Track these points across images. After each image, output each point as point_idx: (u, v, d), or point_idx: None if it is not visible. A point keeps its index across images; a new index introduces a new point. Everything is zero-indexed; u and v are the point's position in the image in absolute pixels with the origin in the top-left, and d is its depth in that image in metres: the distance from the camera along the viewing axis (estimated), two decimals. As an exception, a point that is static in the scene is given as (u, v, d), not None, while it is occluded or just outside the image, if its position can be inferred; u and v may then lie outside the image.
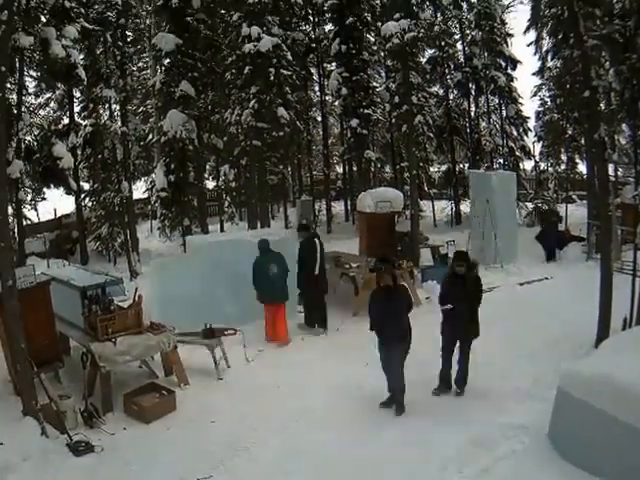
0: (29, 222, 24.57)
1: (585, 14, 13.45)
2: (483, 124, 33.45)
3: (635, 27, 21.36)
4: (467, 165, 32.90)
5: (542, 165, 32.71)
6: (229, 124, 26.54)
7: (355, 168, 32.22)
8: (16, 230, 21.54)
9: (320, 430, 10.10)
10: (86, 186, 26.49)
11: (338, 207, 35.36)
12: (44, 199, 25.93)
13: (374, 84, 32.71)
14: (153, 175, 31.64)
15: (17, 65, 21.22)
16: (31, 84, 24.00)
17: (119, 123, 25.10)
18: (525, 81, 32.48)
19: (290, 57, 26.32)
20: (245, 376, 12.66)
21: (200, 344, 13.15)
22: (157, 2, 25.81)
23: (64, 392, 11.06)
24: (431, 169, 34.25)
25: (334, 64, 30.95)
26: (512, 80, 32.18)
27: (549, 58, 29.15)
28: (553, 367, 10.57)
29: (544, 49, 29.26)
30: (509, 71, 32.09)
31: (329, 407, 10.96)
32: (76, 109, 25.66)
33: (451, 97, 32.88)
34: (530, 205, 29.38)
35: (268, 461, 9.31)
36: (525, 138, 32.80)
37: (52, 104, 26.54)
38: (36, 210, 25.86)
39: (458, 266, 11.46)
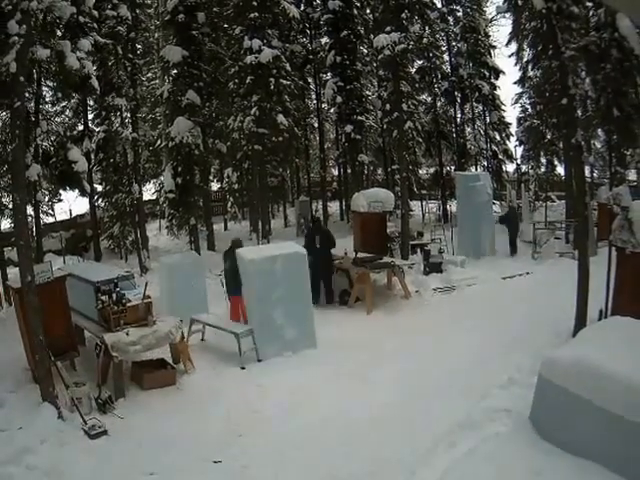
0: (46, 222, 24.54)
1: (562, 27, 13.37)
2: (468, 129, 33.63)
3: (609, 39, 21.40)
4: (453, 167, 32.97)
5: (523, 167, 32.75)
6: (232, 130, 26.57)
7: (349, 171, 32.22)
8: (34, 229, 21.50)
9: (320, 418, 10.12)
10: (99, 188, 26.45)
11: (334, 207, 35.36)
12: (60, 200, 25.83)
13: (367, 93, 32.81)
14: (161, 178, 31.60)
15: (35, 76, 21.17)
16: (48, 93, 23.84)
17: (130, 129, 25.02)
18: (507, 89, 32.65)
19: (289, 68, 26.39)
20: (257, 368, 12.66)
21: (229, 332, 13.16)
22: (165, 17, 25.81)
23: (79, 380, 11.08)
24: (420, 171, 34.22)
25: (329, 74, 30.94)
26: (495, 89, 32.38)
27: (529, 68, 29.16)
28: (534, 355, 10.56)
29: (525, 60, 29.27)
30: (492, 80, 32.26)
31: (327, 399, 10.95)
32: (90, 116, 25.63)
33: (438, 104, 32.97)
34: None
35: (268, 447, 9.33)
36: (507, 142, 33.06)
37: (67, 112, 26.39)
38: (53, 210, 25.79)
39: None
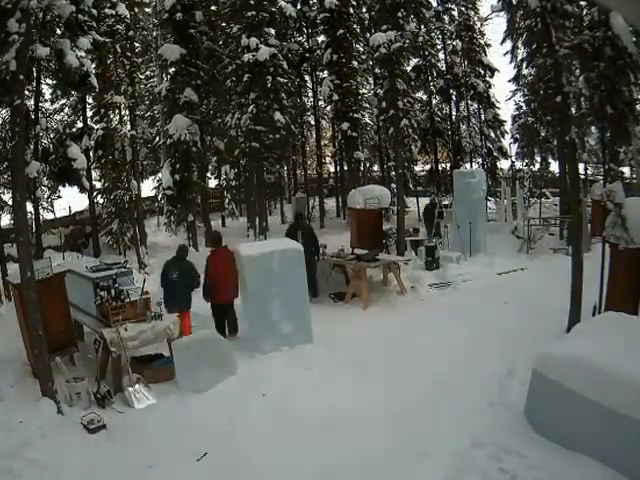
0: (46, 218, 24.52)
1: (557, 25, 13.38)
2: (463, 127, 33.60)
3: (603, 37, 21.42)
4: (449, 164, 33.00)
5: (518, 164, 32.79)
6: (229, 127, 26.65)
7: (346, 167, 32.26)
8: (34, 226, 21.48)
9: (316, 414, 10.13)
10: (98, 185, 26.38)
11: (330, 203, 35.40)
12: (59, 197, 25.73)
13: (363, 90, 32.98)
14: (160, 174, 31.61)
15: (34, 74, 21.17)
16: (47, 91, 23.84)
17: (128, 127, 25.03)
18: (502, 87, 32.70)
19: (286, 66, 26.46)
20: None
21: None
22: (163, 16, 25.78)
23: (78, 374, 11.08)
24: (416, 168, 34.28)
25: (326, 72, 30.92)
26: (490, 87, 32.39)
27: (524, 66, 29.11)
28: (529, 350, 10.58)
29: (519, 58, 29.17)
30: (487, 78, 32.25)
31: (324, 394, 10.93)
32: (89, 114, 25.59)
33: (434, 102, 33.03)
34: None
35: (265, 442, 9.32)
36: (502, 140, 33.03)
37: (67, 109, 26.37)
38: (52, 207, 25.77)
39: None
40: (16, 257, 11.65)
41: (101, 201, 26.16)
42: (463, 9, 32.53)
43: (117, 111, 24.82)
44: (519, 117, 32.05)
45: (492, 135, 33.16)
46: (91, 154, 24.73)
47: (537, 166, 32.48)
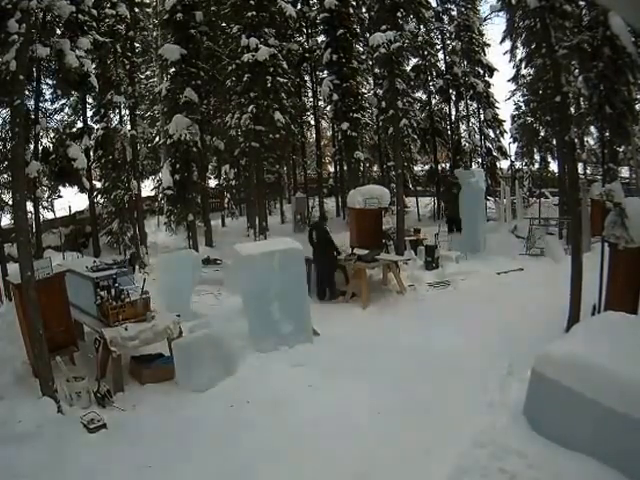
0: (46, 218, 24.51)
1: (556, 25, 13.44)
2: (463, 127, 33.58)
3: (602, 37, 21.41)
4: (448, 164, 32.99)
5: (517, 164, 32.79)
6: (229, 127, 26.62)
7: (345, 167, 32.22)
8: (34, 225, 21.48)
9: (316, 414, 10.13)
10: (98, 185, 26.37)
11: (330, 203, 35.34)
12: (60, 197, 25.70)
13: (363, 90, 32.87)
14: (160, 174, 31.58)
15: (34, 74, 21.17)
16: (47, 91, 23.84)
17: (128, 127, 25.04)
18: (501, 87, 32.70)
19: (285, 66, 26.44)
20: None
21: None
22: (163, 16, 25.82)
23: (79, 374, 11.07)
24: (415, 168, 34.27)
25: (326, 72, 30.85)
26: (489, 86, 32.32)
27: (523, 66, 29.10)
28: (529, 349, 10.56)
29: (518, 58, 29.17)
30: (486, 78, 32.21)
31: (324, 394, 10.93)
32: (89, 114, 25.55)
33: (433, 102, 32.94)
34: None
35: (264, 442, 9.31)
36: (501, 139, 32.96)
37: (67, 109, 26.35)
38: (52, 207, 25.73)
39: None
40: (16, 257, 11.65)
41: (101, 201, 26.14)
42: (462, 9, 32.51)
43: (117, 111, 24.85)
44: (518, 117, 32.03)
45: (491, 135, 33.15)
46: (91, 154, 24.70)
47: (536, 166, 32.48)
